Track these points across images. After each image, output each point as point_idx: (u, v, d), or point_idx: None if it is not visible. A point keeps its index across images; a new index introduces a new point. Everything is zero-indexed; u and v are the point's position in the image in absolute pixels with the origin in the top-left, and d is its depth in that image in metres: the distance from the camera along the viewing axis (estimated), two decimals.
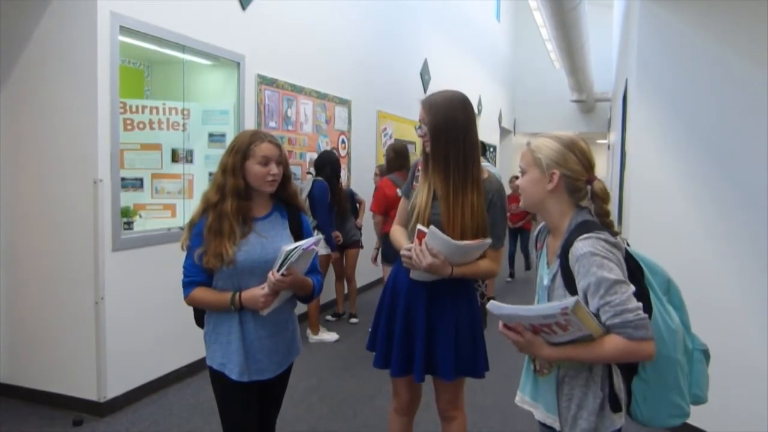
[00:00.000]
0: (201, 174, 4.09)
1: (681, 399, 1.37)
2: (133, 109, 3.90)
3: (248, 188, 1.83)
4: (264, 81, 4.40)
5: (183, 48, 3.66)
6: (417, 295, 1.95)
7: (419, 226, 1.84)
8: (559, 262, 1.39)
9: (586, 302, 1.30)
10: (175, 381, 3.55)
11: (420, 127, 1.95)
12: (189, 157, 4.08)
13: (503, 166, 13.03)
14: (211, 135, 4.16)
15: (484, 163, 2.09)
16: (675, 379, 1.36)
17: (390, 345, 2.00)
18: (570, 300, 1.21)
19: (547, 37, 9.32)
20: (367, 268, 5.44)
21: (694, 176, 2.90)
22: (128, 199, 3.55)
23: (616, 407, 1.36)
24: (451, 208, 1.88)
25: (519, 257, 7.53)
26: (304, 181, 4.66)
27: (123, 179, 3.38)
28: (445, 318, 1.94)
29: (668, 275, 1.44)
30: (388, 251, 4.13)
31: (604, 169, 10.12)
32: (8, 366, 3.31)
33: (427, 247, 1.79)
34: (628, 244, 1.44)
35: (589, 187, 1.42)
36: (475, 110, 2.22)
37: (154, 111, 3.95)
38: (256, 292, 1.77)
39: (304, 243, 1.75)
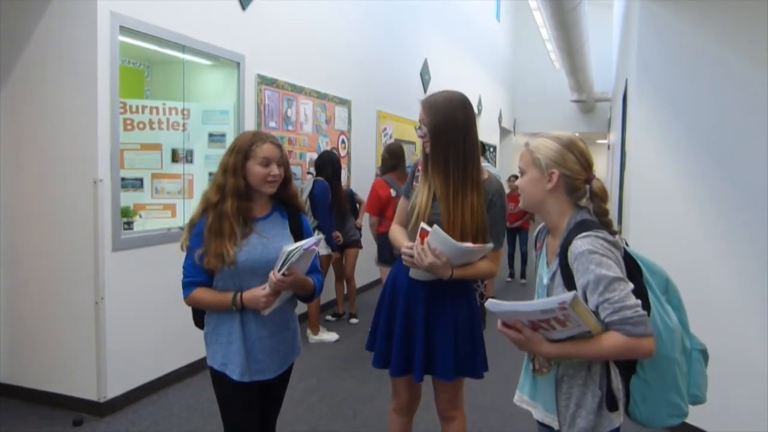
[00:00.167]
0: (201, 174, 4.09)
1: (679, 398, 1.38)
2: (133, 109, 3.90)
3: (248, 189, 1.83)
4: (264, 81, 4.41)
5: (183, 48, 3.66)
6: (416, 295, 1.95)
7: (423, 225, 1.83)
8: (559, 261, 1.39)
9: (586, 300, 1.30)
10: (175, 381, 3.55)
11: (420, 128, 1.94)
12: (189, 157, 4.08)
13: (503, 167, 13.01)
14: (211, 135, 4.16)
15: (484, 164, 2.09)
16: (673, 379, 1.36)
17: (389, 345, 2.00)
18: (568, 295, 1.21)
19: (547, 37, 9.32)
20: (367, 268, 5.44)
21: (694, 176, 2.90)
22: (128, 199, 3.55)
23: (613, 406, 1.37)
24: (451, 208, 1.88)
25: (519, 258, 7.52)
26: (304, 182, 4.66)
27: (123, 179, 3.38)
28: (444, 318, 1.94)
29: (667, 275, 1.45)
30: (384, 251, 4.14)
31: (604, 169, 10.12)
32: (8, 366, 3.31)
33: (429, 247, 1.79)
34: (626, 244, 1.44)
35: (587, 187, 1.43)
36: (475, 110, 2.22)
37: (154, 111, 3.95)
38: (258, 293, 1.77)
39: (304, 243, 1.75)
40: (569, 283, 1.36)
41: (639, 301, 1.27)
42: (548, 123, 12.32)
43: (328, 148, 5.30)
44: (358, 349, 4.27)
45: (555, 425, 1.42)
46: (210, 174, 3.95)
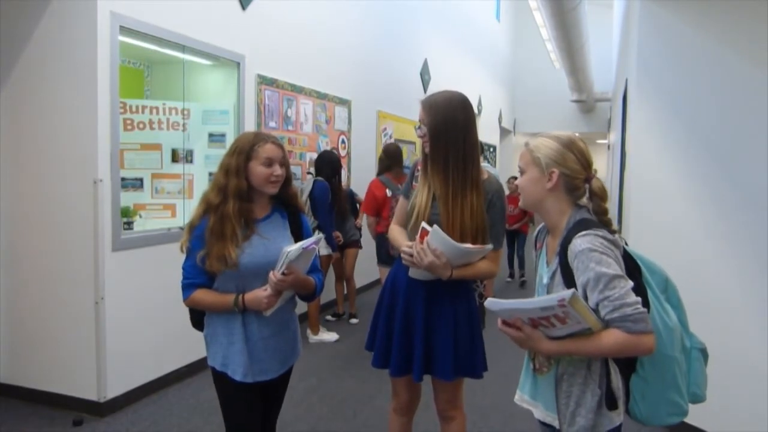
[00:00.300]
0: (201, 174, 4.09)
1: (679, 397, 1.38)
2: (133, 109, 3.91)
3: (250, 189, 1.83)
4: (264, 81, 4.41)
5: (183, 48, 3.66)
6: (416, 295, 1.96)
7: (423, 224, 1.83)
8: (558, 260, 1.40)
9: (586, 298, 1.31)
10: (175, 381, 3.55)
11: (419, 128, 1.95)
12: (189, 157, 4.08)
13: (503, 167, 13.01)
14: (211, 135, 4.16)
15: (484, 164, 2.09)
16: (673, 377, 1.36)
17: (389, 344, 2.00)
18: (567, 292, 1.22)
19: (547, 37, 9.32)
20: (367, 268, 5.44)
21: (694, 176, 2.90)
22: (128, 199, 3.55)
23: (613, 405, 1.37)
24: (451, 208, 1.88)
25: (517, 261, 7.50)
26: (304, 182, 4.67)
27: (123, 179, 3.38)
28: (443, 318, 1.94)
29: (666, 274, 1.45)
30: (381, 251, 4.14)
31: (604, 169, 10.12)
32: (8, 366, 3.31)
33: (429, 247, 1.79)
34: (626, 243, 1.44)
35: (587, 186, 1.43)
36: (475, 110, 2.22)
37: (154, 111, 3.96)
38: (259, 294, 1.77)
39: (304, 243, 1.75)
40: (569, 282, 1.36)
41: (639, 299, 1.27)
42: (548, 123, 12.31)
43: (328, 148, 5.30)
44: (358, 349, 4.27)
45: (556, 424, 1.43)
46: (210, 174, 3.95)
